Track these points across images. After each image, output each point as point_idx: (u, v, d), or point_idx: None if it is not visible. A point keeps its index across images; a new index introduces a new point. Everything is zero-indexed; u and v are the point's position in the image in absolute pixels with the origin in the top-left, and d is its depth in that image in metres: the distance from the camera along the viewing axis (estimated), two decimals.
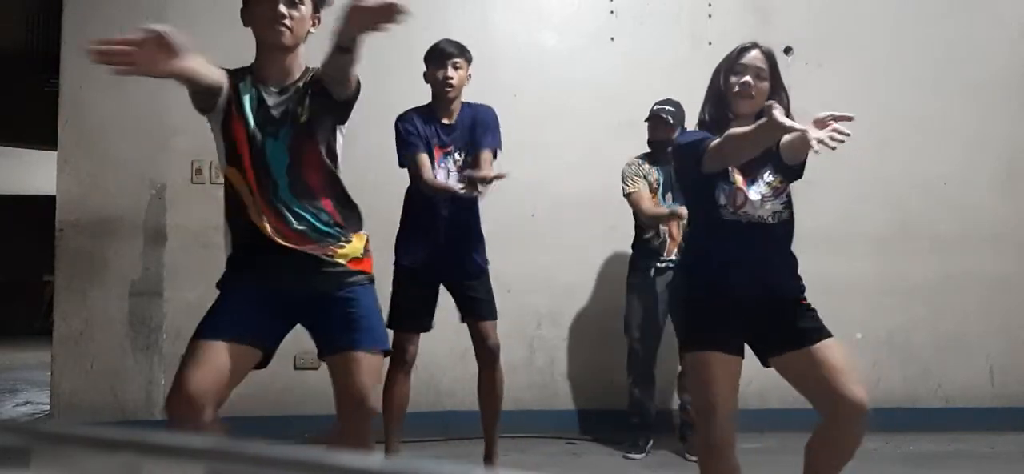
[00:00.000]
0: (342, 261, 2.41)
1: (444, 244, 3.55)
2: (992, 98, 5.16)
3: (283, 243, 2.35)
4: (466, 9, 4.86)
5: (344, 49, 2.17)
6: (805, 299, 2.53)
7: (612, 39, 4.95)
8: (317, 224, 2.39)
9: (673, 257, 4.21)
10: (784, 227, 2.51)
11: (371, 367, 2.40)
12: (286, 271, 2.36)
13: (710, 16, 4.98)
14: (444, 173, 3.53)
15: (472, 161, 3.50)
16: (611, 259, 4.76)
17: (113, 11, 4.43)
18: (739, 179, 2.45)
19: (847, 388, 2.36)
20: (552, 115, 4.81)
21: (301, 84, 2.41)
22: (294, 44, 2.38)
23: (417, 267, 3.55)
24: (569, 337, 4.85)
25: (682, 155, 2.56)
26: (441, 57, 3.53)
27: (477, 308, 3.60)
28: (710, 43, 4.43)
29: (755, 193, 2.45)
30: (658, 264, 4.22)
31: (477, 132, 3.53)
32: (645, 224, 4.21)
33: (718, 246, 2.48)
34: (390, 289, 3.52)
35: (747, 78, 2.45)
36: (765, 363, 2.54)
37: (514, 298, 4.74)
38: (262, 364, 2.42)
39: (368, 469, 0.69)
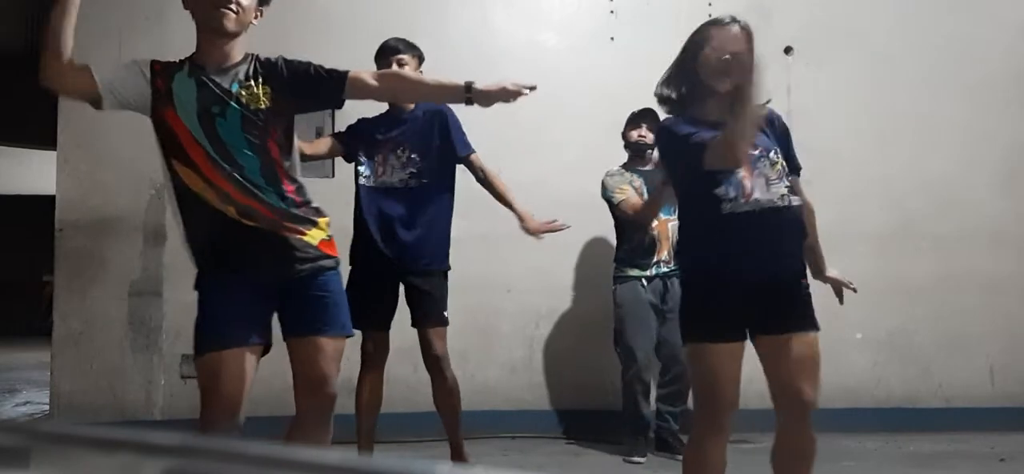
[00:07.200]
0: (313, 242, 2.42)
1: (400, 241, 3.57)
2: (992, 98, 5.15)
3: (251, 225, 2.34)
4: (466, 8, 4.86)
5: (468, 101, 2.41)
6: (806, 278, 2.47)
7: (612, 39, 4.95)
8: (290, 209, 2.39)
9: (664, 260, 4.22)
10: (794, 210, 2.41)
11: (334, 353, 2.42)
12: (261, 256, 2.36)
13: (710, 16, 4.96)
14: (393, 167, 3.57)
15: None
16: (611, 259, 4.76)
17: (112, 11, 4.43)
18: (744, 168, 2.34)
19: (796, 382, 2.33)
20: (551, 115, 4.80)
21: (247, 68, 2.38)
22: (237, 31, 2.35)
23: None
24: (569, 337, 4.85)
25: (680, 145, 2.41)
26: (388, 53, 3.55)
27: (424, 312, 3.59)
28: None
29: (761, 179, 2.36)
30: (648, 274, 4.23)
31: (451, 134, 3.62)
32: (641, 223, 4.19)
33: (725, 238, 2.38)
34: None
35: (729, 54, 2.36)
36: (753, 340, 2.45)
37: (514, 298, 4.75)
38: (265, 352, 2.45)
39: (366, 468, 0.68)
